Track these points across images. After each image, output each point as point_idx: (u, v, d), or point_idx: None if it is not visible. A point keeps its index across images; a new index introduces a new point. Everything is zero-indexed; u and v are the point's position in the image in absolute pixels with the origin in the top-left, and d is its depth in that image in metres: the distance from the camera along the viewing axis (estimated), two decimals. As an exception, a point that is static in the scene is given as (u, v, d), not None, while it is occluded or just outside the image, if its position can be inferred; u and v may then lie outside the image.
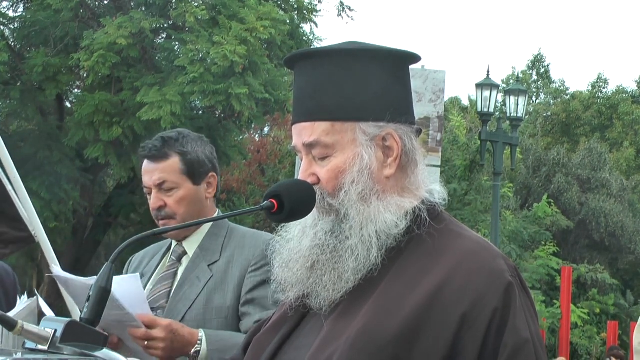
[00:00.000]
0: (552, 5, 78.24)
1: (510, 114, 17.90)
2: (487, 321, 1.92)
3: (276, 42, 18.34)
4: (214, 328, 3.07)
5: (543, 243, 23.88)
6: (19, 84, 18.98)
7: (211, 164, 3.32)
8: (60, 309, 3.51)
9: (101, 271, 1.94)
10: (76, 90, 20.83)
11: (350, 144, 2.06)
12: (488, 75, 17.69)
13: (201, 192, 3.28)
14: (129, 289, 2.83)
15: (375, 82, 2.07)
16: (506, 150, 18.62)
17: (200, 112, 19.92)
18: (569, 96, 41.07)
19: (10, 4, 19.80)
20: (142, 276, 3.36)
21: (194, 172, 3.25)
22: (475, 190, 22.20)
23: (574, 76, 77.48)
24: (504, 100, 19.91)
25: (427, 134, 15.14)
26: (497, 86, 18.12)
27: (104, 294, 1.92)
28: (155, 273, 3.32)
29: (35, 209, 4.13)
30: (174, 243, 3.35)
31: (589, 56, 76.98)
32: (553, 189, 30.60)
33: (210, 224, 3.32)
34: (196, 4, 18.49)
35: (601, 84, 40.51)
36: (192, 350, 2.91)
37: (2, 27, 19.34)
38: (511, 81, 35.61)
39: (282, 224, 2.15)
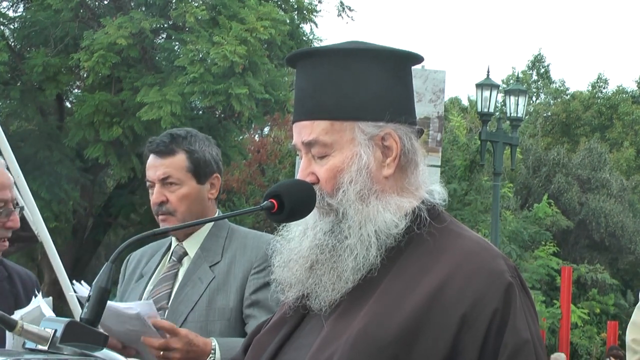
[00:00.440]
0: (552, 5, 78.29)
1: (510, 114, 17.90)
2: (487, 321, 1.92)
3: (276, 42, 18.34)
4: (216, 329, 3.06)
5: (543, 243, 23.88)
6: (19, 84, 18.98)
7: (216, 165, 3.31)
8: (60, 309, 3.51)
9: (101, 271, 1.94)
10: (76, 90, 20.83)
11: (349, 143, 2.06)
12: (488, 75, 17.70)
13: (204, 192, 3.28)
14: (147, 310, 2.81)
15: (375, 82, 2.07)
16: (506, 150, 18.61)
17: (200, 112, 19.92)
18: (569, 96, 41.07)
19: (10, 4, 19.81)
20: (141, 276, 3.35)
21: (199, 171, 3.25)
22: (475, 190, 22.20)
23: (574, 76, 77.51)
24: (504, 100, 19.91)
25: (427, 134, 15.16)
26: (497, 86, 18.11)
27: (104, 294, 1.93)
28: (156, 273, 3.31)
29: (36, 209, 4.13)
30: (174, 242, 3.34)
31: (589, 56, 77.03)
32: (553, 189, 30.60)
33: (211, 224, 3.31)
34: (196, 4, 18.49)
35: (601, 84, 40.52)
36: None
37: (2, 27, 19.34)
38: (511, 81, 35.62)
39: (283, 224, 2.15)
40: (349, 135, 2.06)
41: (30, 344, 1.90)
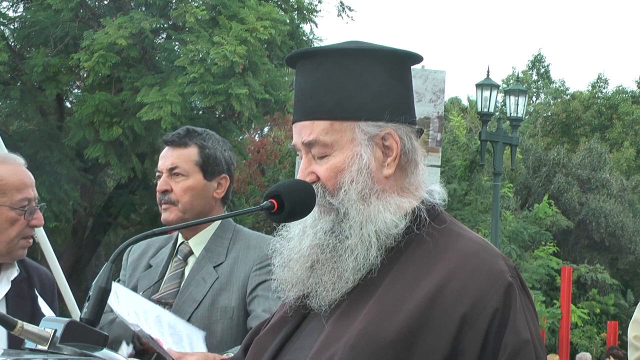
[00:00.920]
0: (552, 5, 78.28)
1: (510, 114, 17.90)
2: (487, 322, 1.92)
3: (276, 42, 18.34)
4: (219, 328, 3.09)
5: (543, 243, 23.87)
6: (19, 84, 18.98)
7: (227, 166, 3.35)
8: (60, 309, 3.51)
9: (101, 271, 1.94)
10: (76, 90, 20.83)
11: (349, 143, 2.06)
12: (488, 75, 17.70)
13: (210, 189, 3.30)
14: (145, 335, 2.85)
15: (375, 82, 2.07)
16: (506, 150, 18.61)
17: (200, 112, 19.91)
18: (569, 96, 41.07)
19: (10, 4, 19.81)
20: (149, 266, 3.37)
21: (208, 166, 3.28)
22: (475, 190, 22.20)
23: (574, 76, 77.50)
24: (504, 100, 19.93)
25: (427, 134, 15.15)
26: (497, 86, 18.11)
27: (104, 293, 1.93)
28: (168, 271, 3.33)
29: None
30: (180, 239, 3.37)
31: (589, 56, 77.00)
32: (553, 189, 30.60)
33: (217, 225, 3.33)
34: (196, 4, 18.49)
35: (601, 84, 40.51)
36: None
37: (2, 27, 19.33)
38: (511, 81, 35.65)
39: (283, 224, 2.15)
40: (349, 135, 2.06)
41: (30, 344, 1.90)
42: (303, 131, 2.09)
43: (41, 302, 3.10)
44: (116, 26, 17.44)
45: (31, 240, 3.15)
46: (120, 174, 18.99)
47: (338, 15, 21.19)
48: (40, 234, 3.92)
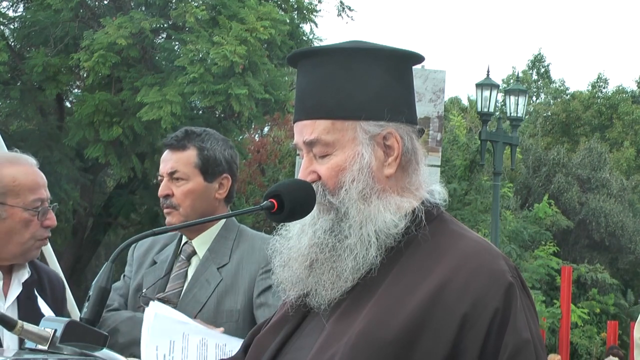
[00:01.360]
0: (552, 5, 78.27)
1: (510, 113, 17.89)
2: (488, 321, 1.92)
3: (276, 42, 18.33)
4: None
5: (543, 243, 23.87)
6: (19, 84, 18.97)
7: (228, 165, 3.33)
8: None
9: (101, 271, 1.94)
10: (76, 90, 20.81)
11: (351, 142, 2.05)
12: (488, 75, 17.69)
13: (211, 191, 3.28)
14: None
15: (376, 81, 2.07)
16: (506, 150, 18.61)
17: (200, 112, 19.90)
18: (569, 96, 41.07)
19: (10, 4, 19.80)
20: (154, 262, 3.36)
21: (208, 168, 3.27)
22: (475, 190, 22.19)
23: (574, 76, 77.53)
24: (504, 100, 19.92)
25: (427, 133, 15.15)
26: (497, 86, 18.10)
27: (104, 293, 1.92)
28: (173, 269, 3.33)
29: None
30: (184, 239, 3.36)
31: (589, 56, 77.01)
32: (553, 188, 30.58)
33: (221, 225, 3.32)
34: (196, 4, 18.48)
35: (601, 83, 40.50)
36: None
37: (2, 27, 19.32)
38: (511, 81, 35.62)
39: (283, 224, 2.15)
40: (350, 134, 2.05)
41: (30, 344, 1.90)
42: (304, 130, 2.09)
43: (41, 302, 3.09)
44: (116, 26, 17.43)
45: (46, 241, 3.14)
46: (120, 174, 18.98)
47: (338, 15, 21.20)
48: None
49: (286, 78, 19.22)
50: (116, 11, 18.55)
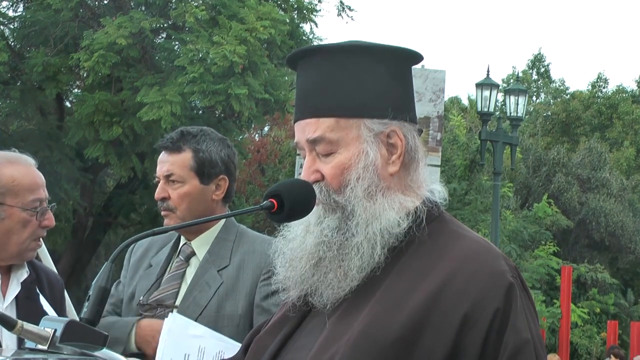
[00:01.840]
0: (552, 5, 78.26)
1: (510, 113, 17.88)
2: (488, 321, 1.92)
3: (276, 42, 18.32)
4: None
5: (543, 243, 23.87)
6: (19, 84, 18.96)
7: (225, 166, 3.29)
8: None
9: (101, 271, 1.94)
10: (76, 90, 20.80)
11: (355, 140, 2.05)
12: (488, 74, 17.68)
13: (208, 192, 3.26)
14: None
15: (376, 80, 2.07)
16: (506, 150, 18.60)
17: (200, 112, 19.89)
18: (569, 96, 41.07)
19: (10, 3, 19.78)
20: (150, 265, 3.34)
21: (204, 170, 3.24)
22: (475, 190, 22.19)
23: (574, 76, 77.51)
24: (504, 100, 19.92)
25: (427, 133, 15.15)
26: (497, 86, 18.10)
27: (104, 293, 1.92)
28: (167, 271, 3.30)
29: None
30: (182, 240, 3.34)
31: (589, 56, 76.98)
32: (553, 188, 30.58)
33: (220, 226, 3.30)
34: (196, 4, 18.47)
35: (601, 83, 40.50)
36: None
37: (2, 27, 19.31)
38: (511, 81, 35.63)
39: (283, 224, 2.15)
40: (354, 132, 2.05)
41: (30, 344, 1.90)
42: (307, 128, 2.08)
43: (42, 301, 3.09)
44: (116, 26, 17.42)
45: (41, 242, 3.14)
46: (120, 174, 18.97)
47: (338, 15, 21.17)
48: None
49: (286, 78, 19.21)
50: (116, 11, 18.54)
